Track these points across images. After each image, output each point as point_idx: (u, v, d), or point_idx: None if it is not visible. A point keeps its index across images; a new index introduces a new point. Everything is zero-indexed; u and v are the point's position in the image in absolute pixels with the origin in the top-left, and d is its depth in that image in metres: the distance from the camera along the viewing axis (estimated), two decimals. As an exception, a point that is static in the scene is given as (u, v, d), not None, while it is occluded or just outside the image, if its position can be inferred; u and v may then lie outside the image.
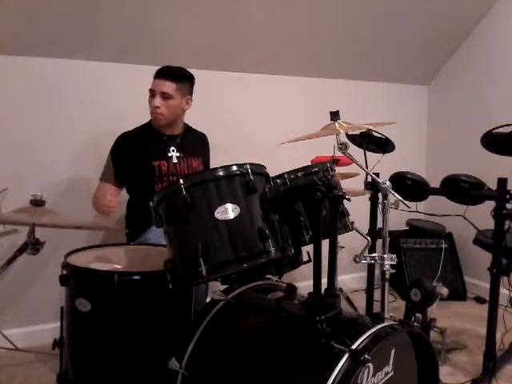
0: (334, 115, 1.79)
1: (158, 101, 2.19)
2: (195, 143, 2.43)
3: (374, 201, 2.64)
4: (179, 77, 2.24)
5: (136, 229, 2.24)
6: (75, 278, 1.64)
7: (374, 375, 1.31)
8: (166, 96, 2.20)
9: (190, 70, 2.33)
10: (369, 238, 1.84)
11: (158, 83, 2.20)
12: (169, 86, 2.19)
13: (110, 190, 2.18)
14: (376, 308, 2.49)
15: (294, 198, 1.57)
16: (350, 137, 2.52)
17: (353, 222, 1.73)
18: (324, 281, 1.37)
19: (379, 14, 3.12)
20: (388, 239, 1.80)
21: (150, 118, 2.36)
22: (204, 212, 1.36)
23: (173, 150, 2.32)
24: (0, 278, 1.95)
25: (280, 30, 2.94)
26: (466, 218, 2.33)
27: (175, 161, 2.30)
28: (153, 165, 2.24)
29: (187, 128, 2.43)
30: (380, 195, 1.91)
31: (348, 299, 2.50)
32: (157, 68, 2.28)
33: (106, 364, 1.59)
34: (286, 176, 1.60)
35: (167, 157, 2.29)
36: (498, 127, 2.18)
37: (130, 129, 2.34)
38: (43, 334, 2.37)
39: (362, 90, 3.52)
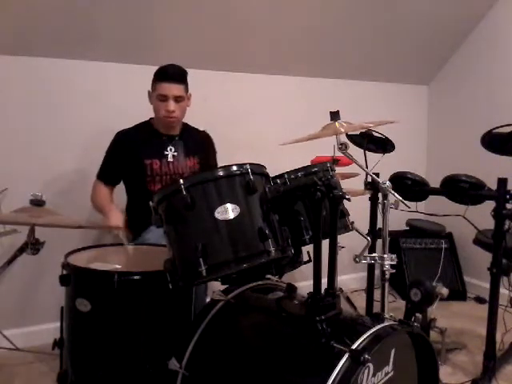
0: (334, 115, 1.78)
1: (173, 105, 2.18)
2: (193, 142, 2.41)
3: (374, 201, 2.64)
4: (183, 77, 2.24)
5: (135, 230, 2.25)
6: (75, 278, 1.64)
7: (374, 375, 1.31)
8: (178, 99, 2.20)
9: (190, 70, 2.33)
10: (369, 238, 1.84)
11: (169, 87, 2.17)
12: (180, 89, 2.20)
13: (106, 194, 2.29)
14: (376, 308, 2.49)
15: (294, 198, 1.57)
16: (350, 137, 2.52)
17: (353, 222, 1.73)
18: (324, 281, 1.37)
19: (379, 14, 3.11)
20: (388, 239, 1.80)
21: (151, 117, 2.37)
22: (204, 212, 1.36)
23: (170, 149, 2.32)
24: (0, 278, 1.95)
25: (280, 30, 2.93)
26: (466, 218, 2.33)
27: (170, 159, 2.29)
28: (144, 163, 2.24)
29: (186, 127, 2.42)
30: (380, 195, 1.91)
31: (348, 299, 2.50)
32: (154, 68, 2.28)
33: (105, 364, 1.59)
34: (286, 176, 1.60)
35: (161, 155, 2.29)
36: (498, 127, 2.18)
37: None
38: (43, 334, 2.37)
39: (362, 89, 3.52)
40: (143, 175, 2.24)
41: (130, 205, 2.37)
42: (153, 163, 2.26)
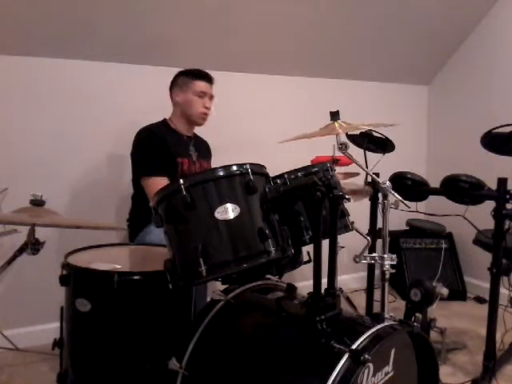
0: (334, 115, 1.78)
1: (209, 103, 2.36)
2: (203, 147, 2.52)
3: (374, 201, 2.64)
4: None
5: (139, 223, 2.25)
6: (75, 278, 1.64)
7: (374, 375, 1.31)
8: (211, 98, 2.38)
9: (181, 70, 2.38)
10: (369, 238, 1.84)
11: (208, 87, 2.35)
12: (212, 89, 2.39)
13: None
14: (376, 308, 2.49)
15: (294, 198, 1.57)
16: (350, 137, 2.52)
17: (353, 222, 1.73)
18: (324, 281, 1.37)
19: (379, 14, 3.11)
20: (388, 239, 1.79)
21: (165, 118, 2.39)
22: (204, 212, 1.36)
23: (192, 150, 2.39)
24: (0, 278, 1.95)
25: (280, 30, 2.94)
26: (466, 218, 2.33)
27: (195, 159, 2.37)
28: (177, 161, 2.28)
29: (194, 133, 2.49)
30: (380, 195, 1.91)
31: (348, 299, 2.49)
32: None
33: (105, 364, 1.59)
34: (286, 176, 1.60)
35: (188, 155, 2.35)
36: (498, 127, 2.18)
37: (131, 129, 2.34)
38: (43, 334, 2.37)
39: (362, 89, 3.52)
40: (174, 173, 2.24)
41: (138, 198, 2.34)
42: (183, 162, 2.30)
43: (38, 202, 1.86)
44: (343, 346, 1.25)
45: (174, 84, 2.37)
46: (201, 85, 2.32)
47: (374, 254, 1.76)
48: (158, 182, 2.07)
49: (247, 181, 1.39)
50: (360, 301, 2.79)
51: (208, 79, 2.35)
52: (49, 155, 2.57)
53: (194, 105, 2.32)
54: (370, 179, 2.46)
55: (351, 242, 2.09)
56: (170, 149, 2.26)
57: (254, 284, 1.65)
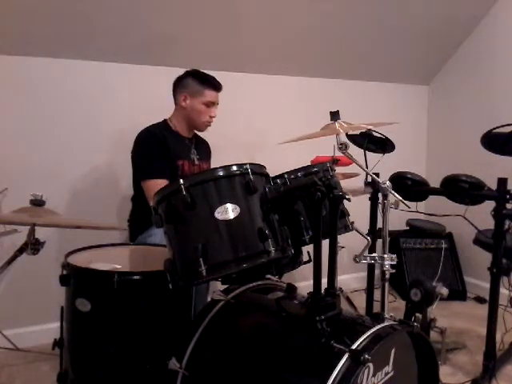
0: (334, 115, 1.78)
1: (215, 111, 2.35)
2: (204, 148, 2.52)
3: (374, 201, 2.64)
4: None
5: (140, 225, 2.25)
6: (75, 278, 1.64)
7: (374, 375, 1.31)
8: (216, 106, 2.36)
9: (189, 70, 2.36)
10: (369, 238, 1.84)
11: (217, 96, 2.34)
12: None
13: None
14: (376, 308, 2.49)
15: (294, 198, 1.57)
16: (350, 137, 2.52)
17: (353, 222, 1.73)
18: (324, 281, 1.37)
19: (379, 14, 3.11)
20: (388, 239, 1.80)
21: (165, 119, 2.38)
22: (204, 212, 1.36)
23: (193, 152, 2.39)
24: (0, 277, 1.95)
25: (280, 30, 2.93)
26: (466, 218, 2.33)
27: (196, 162, 2.37)
28: (177, 164, 2.27)
29: (194, 132, 2.48)
30: (380, 195, 1.91)
31: (348, 299, 2.50)
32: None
33: (105, 364, 1.59)
34: (286, 176, 1.60)
35: (189, 158, 2.35)
36: (497, 127, 2.18)
37: (131, 129, 2.34)
38: (43, 334, 2.37)
39: (362, 89, 3.52)
40: (175, 175, 2.23)
41: (138, 200, 2.33)
42: (184, 164, 2.30)
43: (38, 202, 1.86)
44: (343, 346, 1.25)
45: (182, 86, 2.32)
46: (211, 95, 2.31)
47: (373, 254, 1.76)
48: (158, 184, 2.03)
49: (247, 181, 1.39)
50: (360, 301, 2.79)
51: (218, 88, 2.32)
52: (49, 155, 2.57)
53: (202, 114, 2.31)
54: (369, 179, 2.46)
55: (351, 242, 2.09)
56: (171, 151, 2.25)
57: (254, 284, 1.65)
